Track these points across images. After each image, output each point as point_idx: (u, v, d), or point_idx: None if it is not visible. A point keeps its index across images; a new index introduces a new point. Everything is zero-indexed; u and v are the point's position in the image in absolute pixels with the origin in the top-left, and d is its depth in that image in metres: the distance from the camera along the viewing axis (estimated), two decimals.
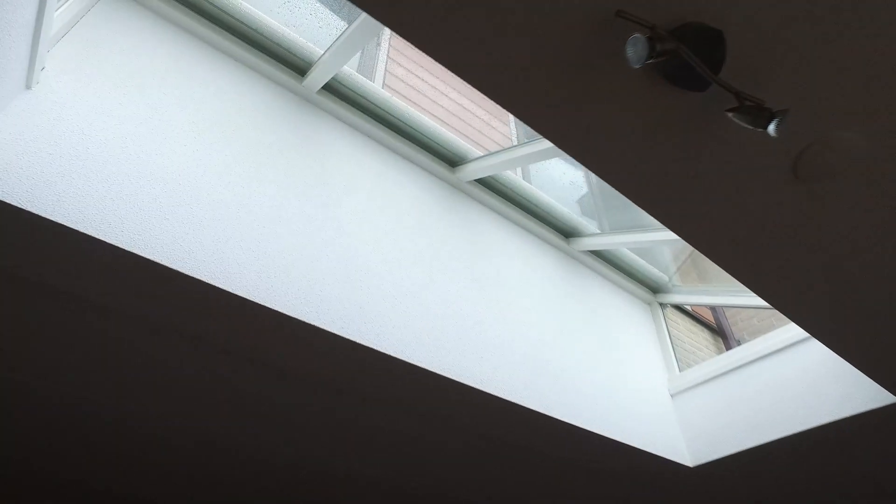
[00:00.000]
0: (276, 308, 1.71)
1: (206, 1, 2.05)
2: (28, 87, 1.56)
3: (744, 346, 2.88)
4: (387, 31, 3.12)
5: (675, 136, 1.21)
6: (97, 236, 1.46)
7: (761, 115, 1.00)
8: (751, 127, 1.01)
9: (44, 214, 1.41)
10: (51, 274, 1.59)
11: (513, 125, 3.62)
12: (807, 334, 2.53)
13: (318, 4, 3.01)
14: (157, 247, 1.56)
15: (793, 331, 2.60)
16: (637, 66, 0.93)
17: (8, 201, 1.37)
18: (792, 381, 2.53)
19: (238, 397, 2.19)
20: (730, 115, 1.04)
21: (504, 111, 3.79)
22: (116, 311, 1.75)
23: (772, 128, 0.99)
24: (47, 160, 1.49)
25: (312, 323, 1.77)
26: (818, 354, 2.44)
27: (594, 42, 1.05)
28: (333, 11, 3.02)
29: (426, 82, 3.21)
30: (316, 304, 1.81)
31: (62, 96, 1.62)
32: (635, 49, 0.92)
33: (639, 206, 1.38)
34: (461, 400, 2.15)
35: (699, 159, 1.26)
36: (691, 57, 0.99)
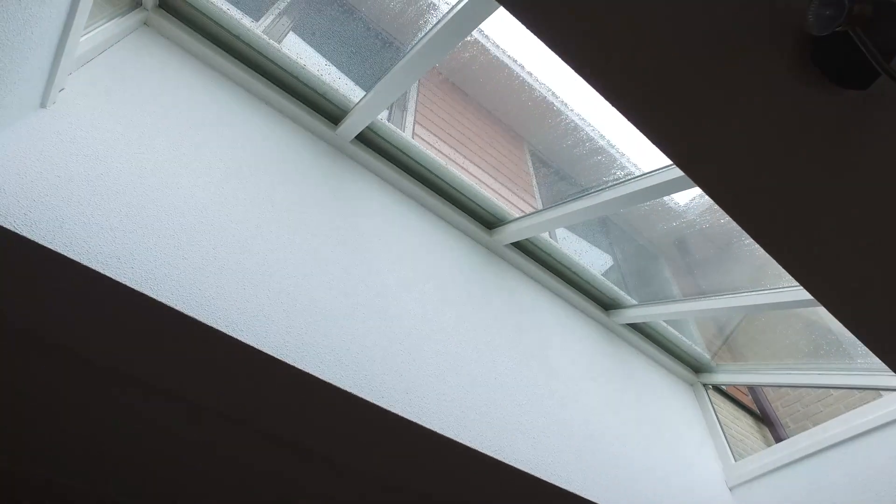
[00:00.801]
0: (306, 370, 1.42)
1: (238, 41, 1.94)
2: (43, 105, 1.38)
3: (812, 431, 2.57)
4: (414, 94, 3.06)
5: (814, 147, 1.01)
6: (102, 271, 1.21)
7: None
8: None
9: (42, 242, 1.16)
10: (42, 314, 1.31)
11: (538, 196, 3.49)
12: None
13: (338, 72, 2.97)
14: (171, 289, 1.30)
15: (876, 412, 2.30)
16: (821, 34, 0.76)
17: (1, 223, 1.12)
18: (882, 471, 2.20)
19: (248, 476, 1.82)
20: None
21: (529, 181, 3.69)
22: (115, 364, 1.44)
23: None
24: (54, 182, 1.27)
25: (348, 389, 1.47)
26: None
27: (728, 15, 0.88)
28: (354, 81, 2.98)
29: (452, 148, 3.11)
30: (352, 368, 1.52)
31: (79, 119, 1.43)
32: (822, 10, 0.75)
33: (757, 240, 1.17)
34: (509, 483, 1.81)
35: (837, 180, 1.06)
36: (864, 40, 0.82)
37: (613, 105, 0.99)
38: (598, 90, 0.98)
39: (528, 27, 0.90)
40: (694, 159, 1.05)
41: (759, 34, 0.88)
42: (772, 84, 0.93)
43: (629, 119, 1.00)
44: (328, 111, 2.10)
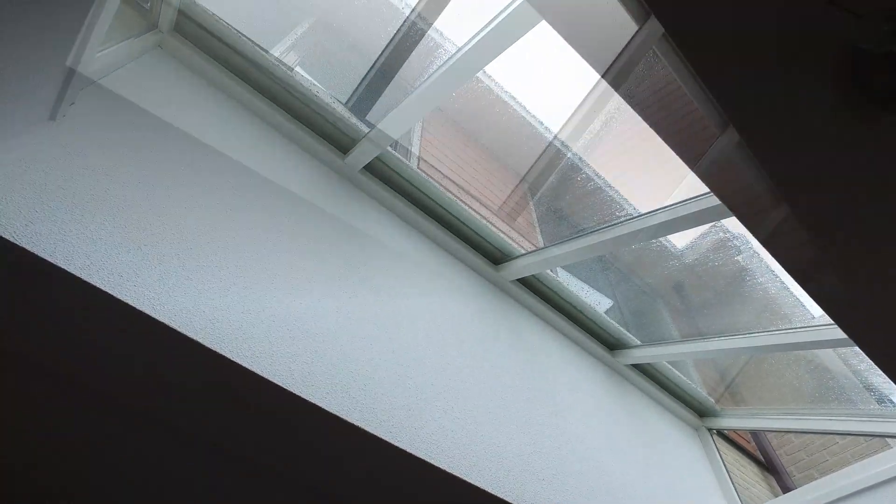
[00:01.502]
0: (314, 401, 1.34)
1: (252, 66, 1.94)
2: (52, 118, 1.34)
3: (822, 482, 2.49)
4: (417, 130, 3.08)
5: (859, 178, 1.00)
6: (103, 287, 1.14)
7: None
8: None
9: (42, 255, 1.09)
10: (41, 328, 1.23)
11: (540, 234, 3.48)
12: None
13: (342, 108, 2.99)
14: (173, 310, 1.23)
15: (889, 462, 2.23)
16: (874, 50, 0.74)
17: (1, 234, 1.06)
18: None
19: None
20: None
21: (530, 220, 3.68)
22: (109, 382, 1.35)
23: None
24: (58, 195, 1.21)
25: (355, 422, 1.38)
26: None
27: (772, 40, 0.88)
28: (359, 118, 2.99)
29: (455, 183, 3.11)
30: (360, 400, 1.44)
31: (87, 133, 1.39)
32: (882, 25, 0.74)
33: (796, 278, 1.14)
34: None
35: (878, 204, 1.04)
36: None
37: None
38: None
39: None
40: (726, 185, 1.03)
41: (800, 46, 0.87)
42: (811, 100, 0.92)
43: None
44: (338, 140, 2.08)
